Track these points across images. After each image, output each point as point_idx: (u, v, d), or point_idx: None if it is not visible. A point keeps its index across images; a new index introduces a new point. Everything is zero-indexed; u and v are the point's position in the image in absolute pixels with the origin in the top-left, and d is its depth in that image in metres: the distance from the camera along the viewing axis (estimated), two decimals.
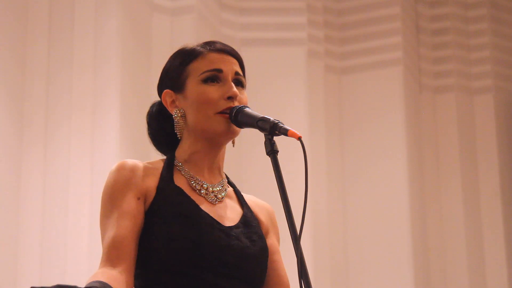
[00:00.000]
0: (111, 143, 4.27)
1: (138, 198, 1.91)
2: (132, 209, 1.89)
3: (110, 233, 1.87)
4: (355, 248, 5.41)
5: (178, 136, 2.01)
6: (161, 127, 2.06)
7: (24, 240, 4.20)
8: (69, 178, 4.25)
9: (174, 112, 2.00)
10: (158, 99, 2.10)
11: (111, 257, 1.84)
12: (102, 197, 1.94)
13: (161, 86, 2.06)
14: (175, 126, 2.01)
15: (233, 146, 2.06)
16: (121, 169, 1.93)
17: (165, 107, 2.05)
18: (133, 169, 1.93)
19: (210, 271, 1.88)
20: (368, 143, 5.52)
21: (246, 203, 2.05)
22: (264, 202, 2.12)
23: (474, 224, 5.60)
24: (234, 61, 2.04)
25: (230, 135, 1.99)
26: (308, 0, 5.56)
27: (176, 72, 2.02)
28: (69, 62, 4.40)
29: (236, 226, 1.96)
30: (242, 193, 2.09)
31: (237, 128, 1.98)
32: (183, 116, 2.00)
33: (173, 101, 2.02)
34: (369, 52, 5.66)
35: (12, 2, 4.38)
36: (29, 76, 4.37)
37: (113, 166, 1.96)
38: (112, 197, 1.91)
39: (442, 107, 5.79)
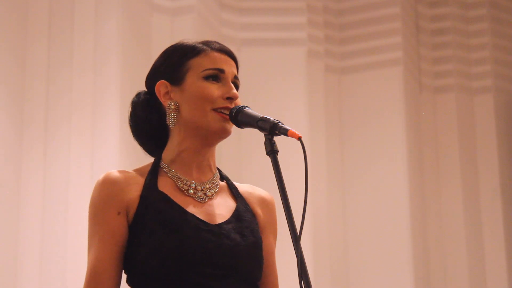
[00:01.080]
0: (111, 143, 4.27)
1: (118, 213, 1.91)
2: (112, 227, 1.90)
3: (91, 258, 1.90)
4: (355, 248, 5.41)
5: (170, 126, 1.98)
6: (147, 118, 2.03)
7: (24, 240, 4.19)
8: (69, 178, 4.25)
9: (168, 104, 1.98)
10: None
11: (91, 286, 1.88)
12: (88, 211, 1.96)
13: (154, 77, 2.04)
14: (167, 118, 1.98)
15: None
16: (103, 183, 1.94)
17: (152, 98, 2.03)
18: (114, 183, 1.93)
19: (202, 275, 1.86)
20: (368, 143, 5.52)
21: (240, 196, 2.03)
22: (262, 192, 2.09)
23: (474, 224, 5.60)
24: (233, 64, 2.04)
25: (223, 135, 1.98)
26: (308, 0, 5.56)
27: (174, 64, 2.01)
28: (69, 62, 4.40)
29: (227, 222, 1.94)
30: (237, 184, 2.07)
31: (231, 129, 1.98)
32: (177, 109, 1.98)
33: (167, 93, 2.00)
34: (369, 52, 5.66)
35: (12, 2, 4.38)
36: (29, 76, 4.37)
37: (99, 178, 1.96)
38: (94, 215, 1.93)
39: (442, 107, 5.79)
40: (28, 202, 4.24)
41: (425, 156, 5.71)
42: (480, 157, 5.72)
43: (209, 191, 1.99)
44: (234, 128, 2.00)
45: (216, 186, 2.01)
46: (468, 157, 5.71)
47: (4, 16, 4.31)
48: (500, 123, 5.78)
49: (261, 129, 1.90)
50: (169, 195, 1.93)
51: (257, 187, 2.11)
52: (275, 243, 2.08)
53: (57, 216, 4.23)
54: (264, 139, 1.89)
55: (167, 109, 1.99)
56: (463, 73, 5.84)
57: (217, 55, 2.01)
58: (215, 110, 1.96)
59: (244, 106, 1.97)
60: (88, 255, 1.91)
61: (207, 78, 1.98)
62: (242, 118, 1.94)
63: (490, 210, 5.62)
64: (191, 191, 1.96)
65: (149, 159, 2.06)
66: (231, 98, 1.97)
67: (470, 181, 5.67)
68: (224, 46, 2.05)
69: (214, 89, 1.97)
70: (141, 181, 1.95)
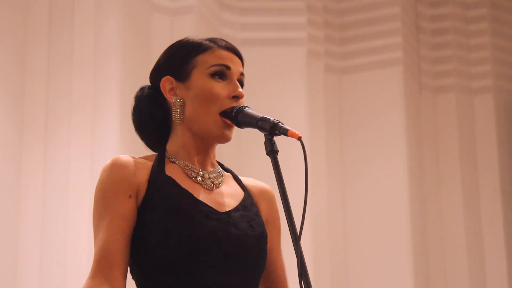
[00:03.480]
0: (111, 143, 4.27)
1: (130, 196, 1.90)
2: (123, 210, 1.88)
3: (102, 238, 1.87)
4: (355, 248, 5.41)
5: (176, 122, 1.99)
6: (151, 112, 2.03)
7: (24, 240, 4.19)
8: (69, 178, 4.25)
9: (174, 100, 1.99)
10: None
11: (102, 265, 1.85)
12: (95, 194, 1.93)
13: (159, 73, 2.04)
14: (173, 114, 1.99)
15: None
16: (113, 166, 1.92)
17: (156, 93, 2.03)
18: (124, 166, 1.91)
19: (209, 264, 1.87)
20: (368, 143, 5.52)
21: (245, 188, 2.04)
22: (263, 184, 2.10)
23: (474, 224, 5.60)
24: (239, 61, 2.04)
25: (222, 140, 1.99)
26: (308, 0, 5.56)
27: (181, 61, 2.01)
28: (69, 62, 4.40)
29: (235, 210, 1.95)
30: (240, 177, 2.08)
31: (231, 135, 1.98)
32: (182, 106, 1.98)
33: (172, 89, 2.00)
34: (369, 52, 5.66)
35: (12, 2, 4.38)
36: (29, 76, 4.37)
37: (107, 161, 1.95)
38: (104, 197, 1.90)
39: (442, 107, 5.79)
40: (28, 202, 4.24)
41: (425, 156, 5.71)
42: (480, 157, 5.72)
43: (216, 180, 1.99)
44: (234, 128, 2.01)
45: (222, 176, 2.02)
46: (468, 157, 5.70)
47: (4, 16, 4.31)
48: (500, 123, 5.78)
49: (261, 129, 1.90)
50: (177, 181, 1.93)
51: (257, 180, 2.11)
52: (278, 238, 2.08)
53: (57, 216, 4.23)
54: (264, 139, 1.89)
55: (172, 106, 1.99)
56: (463, 73, 5.84)
57: (223, 52, 2.01)
58: (221, 114, 1.96)
59: (244, 106, 1.97)
60: (97, 237, 1.88)
61: (213, 75, 1.98)
62: (242, 118, 1.94)
63: (490, 210, 5.62)
64: (200, 179, 1.96)
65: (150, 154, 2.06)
66: (237, 97, 1.98)
67: (470, 181, 5.66)
68: (230, 43, 2.05)
69: (220, 88, 1.97)
70: (148, 166, 1.95)
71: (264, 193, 2.08)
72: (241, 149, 5.08)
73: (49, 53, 4.41)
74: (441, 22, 5.91)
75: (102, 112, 4.34)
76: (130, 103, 2.09)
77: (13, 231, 4.18)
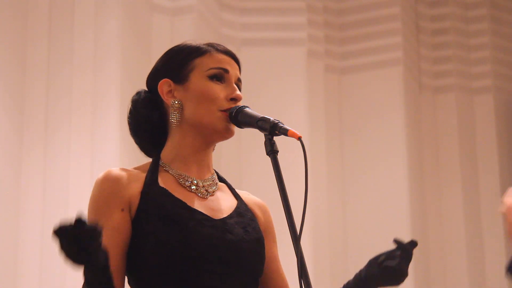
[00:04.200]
0: (111, 143, 4.27)
1: (122, 210, 1.90)
2: (116, 223, 1.89)
3: None
4: (355, 248, 5.41)
5: (173, 124, 1.99)
6: (148, 115, 2.03)
7: (24, 241, 4.19)
8: (69, 178, 4.25)
9: (172, 102, 1.99)
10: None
11: None
12: (88, 209, 1.94)
13: (156, 76, 2.04)
14: (170, 116, 1.99)
15: (213, 150, 2.05)
16: (104, 180, 1.93)
17: (153, 96, 2.03)
18: (115, 180, 1.92)
19: (206, 271, 1.87)
20: (368, 143, 5.52)
21: (240, 197, 2.05)
22: (259, 199, 2.10)
23: (474, 224, 5.60)
24: (237, 66, 2.05)
25: (226, 135, 1.99)
26: (308, 0, 5.56)
27: (179, 64, 2.01)
28: (69, 62, 4.40)
29: (229, 217, 1.95)
30: (235, 189, 2.08)
31: (234, 129, 1.99)
32: (181, 108, 1.99)
33: (170, 91, 2.00)
34: (369, 52, 5.66)
35: (12, 2, 4.38)
36: (29, 76, 4.37)
37: (99, 175, 1.95)
38: (97, 212, 1.92)
39: (442, 107, 5.79)
40: (28, 202, 4.24)
41: (425, 156, 5.71)
42: (480, 157, 5.72)
43: (211, 188, 1.99)
44: (234, 128, 2.01)
45: (216, 184, 2.02)
46: (468, 157, 5.71)
47: (4, 16, 4.31)
48: (500, 123, 5.78)
49: (261, 129, 1.91)
50: (171, 191, 1.93)
51: (252, 195, 2.12)
52: (276, 249, 2.08)
53: (57, 216, 4.22)
54: (264, 139, 1.90)
55: (170, 108, 2.00)
56: (463, 73, 5.84)
57: (221, 56, 2.03)
58: (220, 111, 1.97)
59: (244, 106, 1.98)
60: None
61: (211, 77, 1.99)
62: (242, 118, 1.95)
63: (490, 210, 5.62)
64: (194, 187, 1.97)
65: (149, 160, 2.06)
66: (235, 99, 1.98)
67: (470, 181, 5.66)
68: (228, 48, 2.07)
69: (219, 90, 1.98)
70: (141, 178, 1.95)
71: (259, 205, 2.08)
72: (241, 149, 5.08)
73: (49, 53, 4.41)
74: (441, 22, 5.91)
75: (102, 112, 4.34)
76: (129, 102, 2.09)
77: (13, 231, 4.18)
